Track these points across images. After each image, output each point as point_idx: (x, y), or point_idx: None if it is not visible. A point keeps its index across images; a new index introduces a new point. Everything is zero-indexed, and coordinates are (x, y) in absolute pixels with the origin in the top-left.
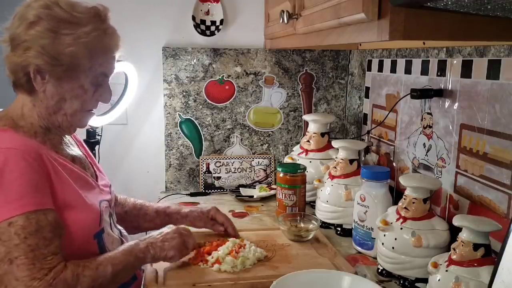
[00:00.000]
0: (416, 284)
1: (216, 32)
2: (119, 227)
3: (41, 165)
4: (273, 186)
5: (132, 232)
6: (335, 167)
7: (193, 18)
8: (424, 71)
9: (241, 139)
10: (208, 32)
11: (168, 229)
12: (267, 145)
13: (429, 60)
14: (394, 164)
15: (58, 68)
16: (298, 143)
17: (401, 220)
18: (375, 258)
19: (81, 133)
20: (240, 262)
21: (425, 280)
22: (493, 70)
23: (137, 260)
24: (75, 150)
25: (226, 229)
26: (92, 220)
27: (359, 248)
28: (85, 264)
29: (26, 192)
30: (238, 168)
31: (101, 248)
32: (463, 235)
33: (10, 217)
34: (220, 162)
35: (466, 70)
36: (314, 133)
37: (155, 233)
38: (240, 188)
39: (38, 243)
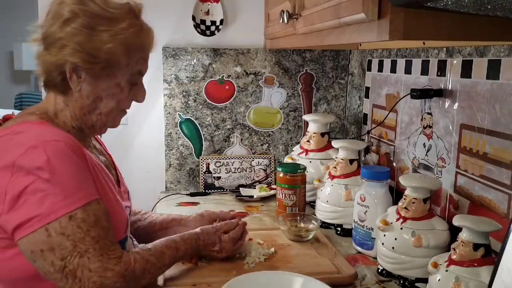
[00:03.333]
0: (416, 284)
1: (216, 32)
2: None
3: (84, 157)
4: (273, 186)
5: None
6: (335, 167)
7: (193, 18)
8: (424, 71)
9: (241, 139)
10: (208, 32)
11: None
12: (267, 145)
13: (429, 60)
14: (394, 164)
15: (95, 66)
16: (298, 143)
17: (401, 220)
18: (375, 258)
19: None
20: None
21: (425, 280)
22: (493, 70)
23: (189, 246)
24: (101, 152)
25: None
26: (121, 226)
27: (359, 248)
28: (150, 259)
29: (81, 184)
30: (238, 168)
31: None
32: (463, 235)
33: (70, 211)
34: (220, 162)
35: (466, 70)
36: (314, 133)
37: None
38: (240, 188)
39: (100, 234)
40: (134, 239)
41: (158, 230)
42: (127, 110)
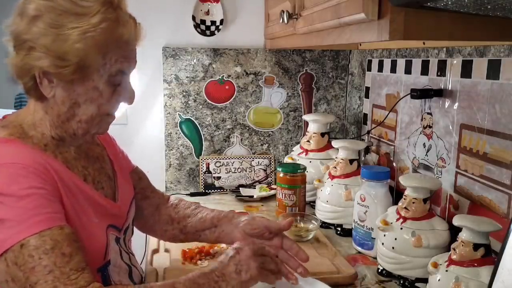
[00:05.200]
0: (416, 284)
1: (216, 32)
2: (131, 250)
3: (51, 180)
4: (273, 186)
5: (175, 238)
6: (335, 167)
7: (193, 18)
8: (424, 71)
9: (241, 139)
10: (208, 32)
11: (233, 250)
12: (267, 145)
13: (429, 60)
14: (394, 164)
15: (66, 70)
16: (298, 143)
17: (401, 220)
18: (375, 258)
19: None
20: None
21: (425, 280)
22: (493, 70)
23: None
24: (92, 164)
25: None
26: (96, 253)
27: (359, 248)
28: None
29: (39, 208)
30: (238, 168)
31: (105, 281)
32: (463, 235)
33: (23, 238)
34: (220, 162)
35: (466, 70)
36: (314, 133)
37: (222, 259)
38: (240, 188)
39: (56, 261)
40: (138, 269)
41: (207, 228)
42: (115, 115)
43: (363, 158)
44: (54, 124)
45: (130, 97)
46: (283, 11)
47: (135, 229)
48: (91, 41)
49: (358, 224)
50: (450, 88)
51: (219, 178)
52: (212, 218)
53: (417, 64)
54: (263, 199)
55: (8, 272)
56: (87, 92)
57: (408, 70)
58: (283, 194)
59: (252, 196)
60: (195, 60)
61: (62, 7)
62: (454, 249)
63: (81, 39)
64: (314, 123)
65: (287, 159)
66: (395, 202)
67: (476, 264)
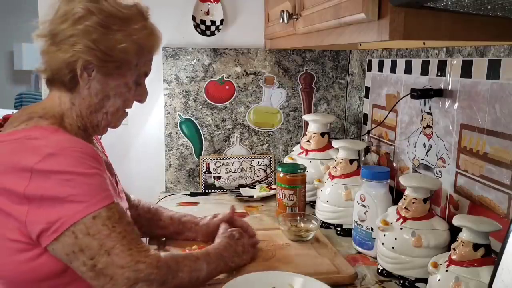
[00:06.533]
0: (416, 284)
1: (216, 32)
2: None
3: (102, 162)
4: (273, 186)
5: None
6: (335, 167)
7: (193, 18)
8: (424, 71)
9: (241, 139)
10: (208, 32)
11: (238, 234)
12: (267, 145)
13: (429, 60)
14: (394, 164)
15: (108, 64)
16: (298, 143)
17: (401, 220)
18: (375, 258)
19: None
20: None
21: (425, 280)
22: (493, 70)
23: (225, 266)
24: (101, 152)
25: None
26: None
27: (359, 248)
28: (182, 254)
29: (102, 186)
30: (238, 168)
31: None
32: (463, 235)
33: (94, 211)
34: (220, 162)
35: (466, 70)
36: (314, 133)
37: (229, 239)
38: (240, 188)
39: (126, 229)
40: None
41: (170, 234)
42: (128, 112)
43: (363, 158)
44: (81, 114)
45: (145, 96)
46: (283, 11)
47: None
48: (133, 43)
49: (358, 224)
50: (450, 88)
51: (219, 178)
52: (175, 228)
53: (417, 64)
54: (263, 199)
55: (76, 243)
56: (119, 86)
57: (408, 70)
58: (283, 194)
59: (252, 196)
60: (195, 60)
61: (108, 10)
62: (454, 249)
63: (126, 40)
64: (314, 123)
65: (287, 159)
66: (395, 202)
67: (476, 264)
